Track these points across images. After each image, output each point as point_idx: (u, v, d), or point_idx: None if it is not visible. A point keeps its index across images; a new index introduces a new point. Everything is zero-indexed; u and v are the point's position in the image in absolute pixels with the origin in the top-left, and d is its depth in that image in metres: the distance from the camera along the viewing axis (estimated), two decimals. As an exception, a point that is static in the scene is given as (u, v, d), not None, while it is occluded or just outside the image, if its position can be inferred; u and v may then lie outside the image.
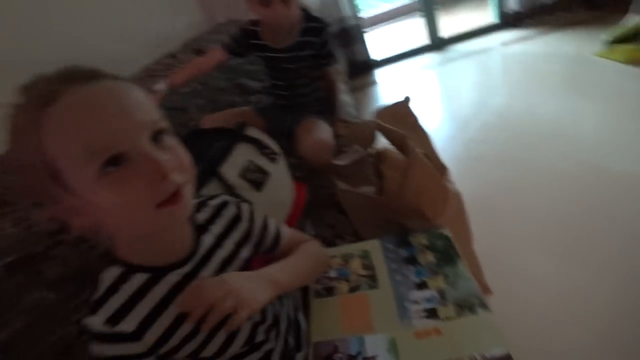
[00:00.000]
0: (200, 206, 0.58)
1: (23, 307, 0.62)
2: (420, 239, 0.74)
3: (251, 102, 1.51)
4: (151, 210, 0.40)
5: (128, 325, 0.44)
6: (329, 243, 0.84)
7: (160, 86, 1.07)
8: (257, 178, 0.76)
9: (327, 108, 1.28)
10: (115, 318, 0.44)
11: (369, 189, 0.98)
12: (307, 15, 1.12)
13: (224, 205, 0.60)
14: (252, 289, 0.47)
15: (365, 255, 0.74)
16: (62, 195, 0.40)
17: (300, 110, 1.23)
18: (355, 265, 0.73)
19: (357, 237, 0.92)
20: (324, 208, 0.99)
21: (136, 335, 0.45)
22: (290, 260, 0.60)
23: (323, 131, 1.15)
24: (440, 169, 1.01)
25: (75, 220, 0.42)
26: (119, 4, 1.71)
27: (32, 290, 0.65)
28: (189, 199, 0.44)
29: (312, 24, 1.11)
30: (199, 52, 1.71)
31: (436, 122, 2.07)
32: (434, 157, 1.01)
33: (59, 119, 0.37)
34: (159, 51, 1.71)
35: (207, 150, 0.73)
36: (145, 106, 0.43)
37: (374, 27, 3.98)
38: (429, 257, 0.69)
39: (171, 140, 0.44)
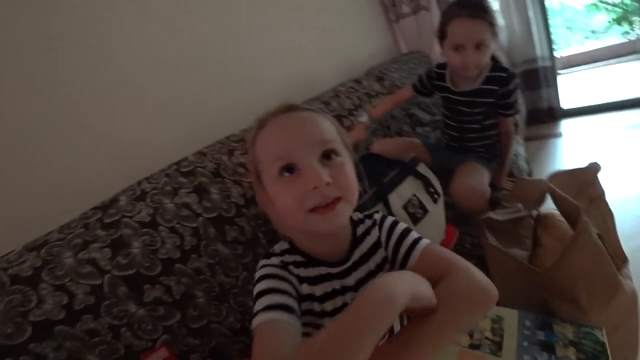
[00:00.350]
0: (360, 221, 0.66)
1: (205, 252, 0.85)
2: (565, 330, 0.66)
3: (418, 133, 1.58)
4: (303, 214, 0.51)
5: (296, 270, 0.57)
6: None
7: (364, 118, 1.26)
8: (416, 213, 0.83)
9: (494, 156, 1.24)
10: (288, 264, 0.58)
11: (520, 253, 0.92)
12: (495, 64, 1.12)
13: (373, 225, 0.66)
14: None
15: (497, 321, 0.71)
16: (261, 189, 0.57)
17: (465, 153, 1.23)
18: (484, 325, 0.70)
19: (493, 298, 0.88)
20: (465, 256, 0.97)
21: (300, 280, 0.57)
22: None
23: (480, 178, 1.13)
24: (618, 258, 0.86)
25: (264, 207, 0.59)
26: (326, 33, 2.03)
27: (215, 242, 0.88)
28: (340, 214, 0.52)
29: (498, 74, 1.11)
30: (380, 79, 1.87)
31: (629, 198, 1.69)
32: (613, 242, 0.88)
33: (262, 137, 0.55)
34: (347, 75, 1.95)
35: (381, 176, 0.83)
36: (321, 130, 0.54)
37: (572, 69, 3.50)
38: (570, 354, 0.61)
39: (339, 160, 0.54)
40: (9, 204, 0.87)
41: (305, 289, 0.57)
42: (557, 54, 2.52)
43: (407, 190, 0.84)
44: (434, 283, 0.54)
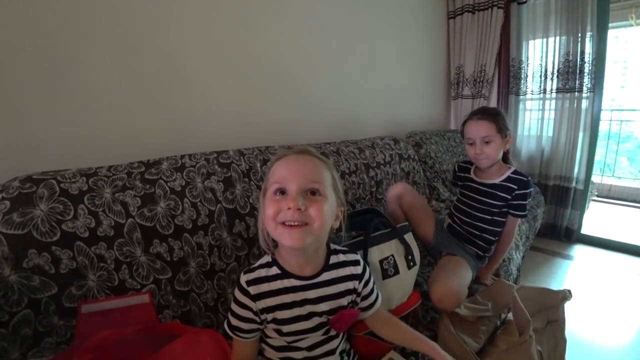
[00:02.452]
0: (338, 252, 0.79)
1: (212, 234, 1.00)
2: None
3: (432, 206, 1.68)
4: (275, 224, 0.67)
5: (253, 290, 0.71)
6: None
7: None
8: (389, 270, 0.94)
9: (486, 256, 1.33)
10: (250, 282, 0.71)
11: (471, 343, 1.00)
12: (516, 170, 1.29)
13: (354, 262, 0.79)
14: None
15: None
16: (262, 202, 0.73)
17: (463, 241, 1.33)
18: None
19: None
20: (420, 327, 1.03)
21: (253, 298, 0.70)
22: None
23: (462, 278, 1.15)
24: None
25: (260, 216, 0.74)
26: (389, 86, 2.20)
27: (222, 229, 1.03)
28: (301, 236, 0.66)
29: (519, 177, 1.26)
30: (418, 145, 2.01)
31: (614, 347, 1.62)
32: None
33: (277, 165, 0.72)
34: (389, 130, 2.11)
35: (374, 230, 0.96)
36: (314, 173, 0.70)
37: (609, 199, 3.50)
38: None
39: (319, 198, 0.69)
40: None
41: (267, 302, 0.71)
42: (598, 179, 2.56)
43: (388, 249, 0.96)
44: (377, 329, 0.83)
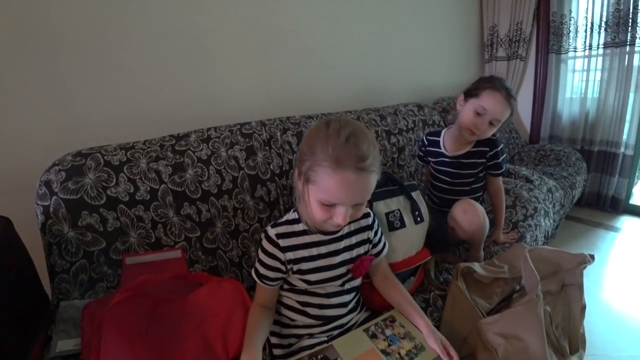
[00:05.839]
0: None
1: (235, 198, 1.11)
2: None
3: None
4: (321, 221, 0.73)
5: (283, 242, 0.79)
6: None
7: None
8: (395, 222, 1.00)
9: None
10: (280, 236, 0.79)
11: (483, 304, 1.02)
12: None
13: (366, 215, 0.88)
14: None
15: (419, 348, 0.77)
16: (303, 182, 0.72)
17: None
18: (407, 345, 0.78)
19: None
20: (423, 287, 1.09)
21: (283, 249, 0.79)
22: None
23: (481, 208, 1.17)
24: (570, 343, 0.93)
25: (297, 186, 0.76)
26: (417, 53, 2.14)
27: (245, 193, 1.13)
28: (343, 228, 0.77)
29: (485, 139, 1.23)
30: (445, 111, 1.97)
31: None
32: (571, 329, 0.95)
33: (333, 177, 0.65)
34: (417, 97, 2.07)
35: (380, 184, 0.94)
36: (366, 194, 0.70)
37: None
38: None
39: (362, 205, 0.73)
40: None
41: (289, 255, 0.80)
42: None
43: (394, 204, 1.02)
44: (377, 282, 0.94)
